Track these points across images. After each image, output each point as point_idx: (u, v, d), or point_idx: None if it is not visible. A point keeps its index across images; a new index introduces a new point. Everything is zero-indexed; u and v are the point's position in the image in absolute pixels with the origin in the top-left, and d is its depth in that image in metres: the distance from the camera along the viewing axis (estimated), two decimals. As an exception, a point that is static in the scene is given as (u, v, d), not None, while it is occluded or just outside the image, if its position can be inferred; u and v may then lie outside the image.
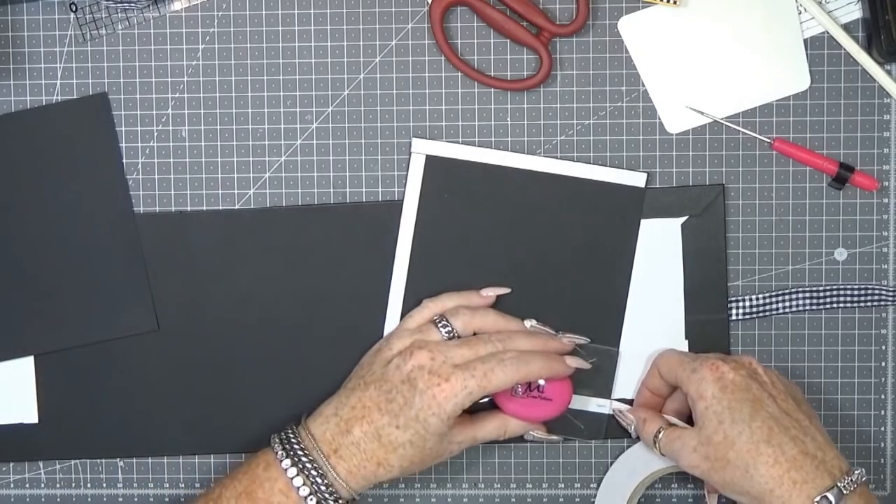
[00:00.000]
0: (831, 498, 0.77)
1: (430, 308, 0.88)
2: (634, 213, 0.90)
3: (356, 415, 0.83)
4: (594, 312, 0.90)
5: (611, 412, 0.90)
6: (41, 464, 0.93)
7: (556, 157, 0.91)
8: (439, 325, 0.86)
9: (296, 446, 0.83)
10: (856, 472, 0.79)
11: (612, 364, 0.90)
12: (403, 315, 0.90)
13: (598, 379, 0.90)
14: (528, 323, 0.88)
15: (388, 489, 0.93)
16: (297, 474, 0.82)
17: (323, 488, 0.82)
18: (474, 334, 0.86)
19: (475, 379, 0.82)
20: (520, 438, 0.90)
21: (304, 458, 0.82)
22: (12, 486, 0.93)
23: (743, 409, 0.80)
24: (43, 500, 0.94)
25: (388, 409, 0.82)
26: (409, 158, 0.90)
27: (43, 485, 0.94)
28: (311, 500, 0.81)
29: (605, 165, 0.91)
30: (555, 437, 0.90)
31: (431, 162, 0.90)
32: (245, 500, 0.82)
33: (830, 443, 0.81)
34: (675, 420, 0.86)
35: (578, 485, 0.93)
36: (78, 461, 0.93)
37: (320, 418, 0.84)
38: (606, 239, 0.90)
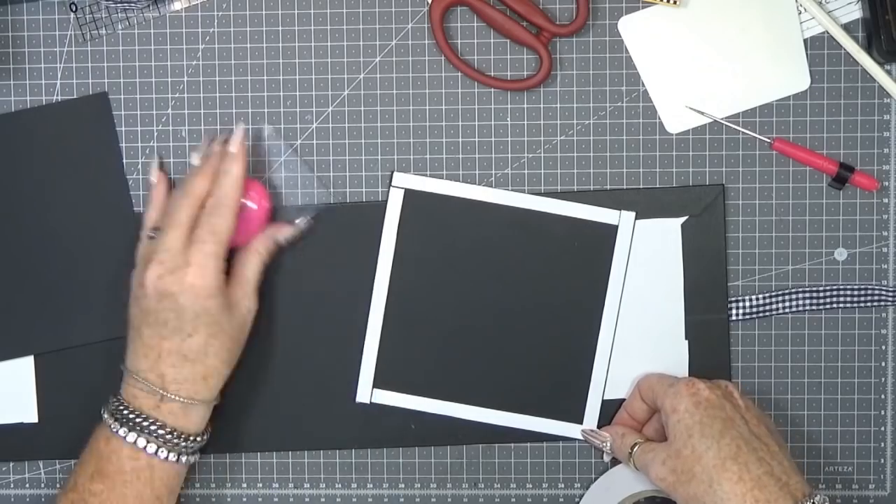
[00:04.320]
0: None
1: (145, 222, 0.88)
2: (608, 250, 0.90)
3: (152, 356, 0.83)
4: (566, 344, 0.91)
5: (581, 436, 0.91)
6: (41, 464, 0.93)
7: (540, 193, 0.91)
8: (147, 237, 0.86)
9: (125, 412, 0.83)
10: (818, 496, 0.79)
11: (584, 388, 0.90)
12: (384, 330, 0.91)
13: (568, 404, 0.91)
14: (196, 158, 0.87)
15: (389, 489, 0.93)
16: (139, 436, 0.82)
17: (169, 436, 0.82)
18: None
19: (208, 243, 0.82)
20: (519, 438, 0.90)
21: (137, 419, 0.82)
22: (12, 486, 0.93)
23: (714, 425, 0.81)
24: (43, 500, 0.94)
25: (171, 328, 0.82)
26: (389, 192, 0.90)
27: (43, 485, 0.94)
28: (162, 452, 0.83)
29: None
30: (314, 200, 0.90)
31: (410, 196, 0.90)
32: (99, 478, 0.83)
33: (797, 470, 0.81)
34: (652, 437, 0.86)
35: (578, 485, 0.93)
36: (78, 461, 0.93)
37: (130, 380, 0.84)
38: (580, 273, 0.90)
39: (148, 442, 0.82)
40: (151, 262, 0.83)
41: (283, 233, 0.89)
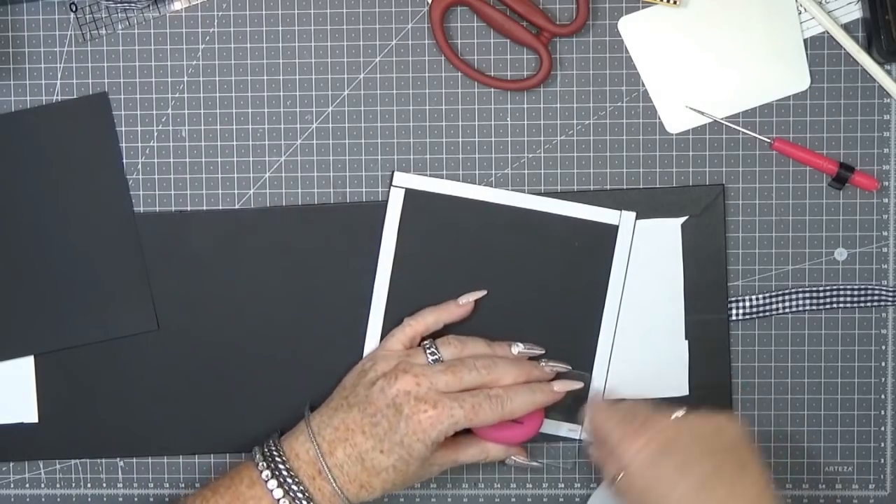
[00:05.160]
0: None
1: (413, 327, 0.88)
2: (608, 250, 0.90)
3: (339, 437, 0.83)
4: (567, 343, 0.90)
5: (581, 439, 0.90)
6: (41, 464, 0.93)
7: (540, 193, 0.91)
8: (427, 350, 0.85)
9: (280, 465, 0.82)
10: None
11: (584, 389, 0.90)
12: (384, 330, 0.90)
13: (571, 403, 0.89)
14: (516, 349, 0.88)
15: (388, 489, 0.93)
16: (284, 496, 0.81)
17: None
18: None
19: (462, 410, 0.82)
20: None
21: (289, 479, 0.82)
22: (12, 486, 0.93)
23: (683, 458, 0.79)
24: (43, 500, 0.94)
25: (373, 432, 0.82)
26: (389, 192, 0.90)
27: (43, 485, 0.94)
28: None
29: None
30: (535, 464, 0.90)
31: (411, 196, 0.90)
32: None
33: None
34: None
35: (578, 485, 0.93)
36: (78, 461, 0.93)
37: (302, 437, 0.84)
38: (580, 273, 0.90)
39: None
40: (409, 373, 0.83)
41: (518, 458, 0.89)
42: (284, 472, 0.82)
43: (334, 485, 0.82)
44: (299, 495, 0.81)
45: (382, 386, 0.83)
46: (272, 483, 0.82)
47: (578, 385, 0.88)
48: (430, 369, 0.83)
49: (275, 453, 0.83)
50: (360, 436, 0.82)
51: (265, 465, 0.83)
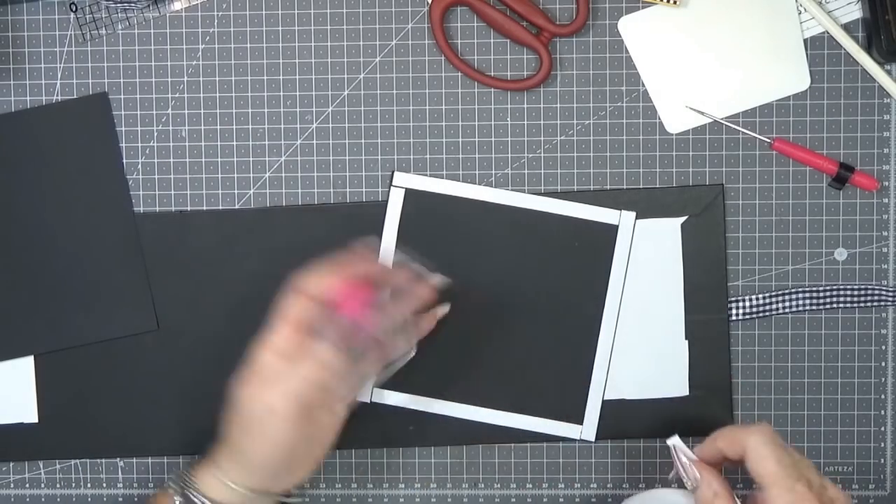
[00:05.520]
0: None
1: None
2: (608, 250, 0.90)
3: (223, 441, 0.82)
4: (566, 344, 0.91)
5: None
6: (41, 464, 0.93)
7: (540, 193, 0.91)
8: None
9: (186, 478, 0.82)
10: None
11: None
12: None
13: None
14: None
15: (389, 489, 0.93)
16: None
17: None
18: None
19: (295, 364, 0.80)
20: (519, 438, 0.91)
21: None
22: (12, 486, 0.94)
23: None
24: (43, 500, 0.94)
25: (236, 426, 0.81)
26: (389, 192, 0.90)
27: (43, 485, 0.94)
28: None
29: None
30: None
31: (411, 196, 0.90)
32: None
33: None
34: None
35: (578, 485, 0.93)
36: (78, 461, 0.93)
37: (218, 482, 0.82)
38: (580, 273, 0.90)
39: None
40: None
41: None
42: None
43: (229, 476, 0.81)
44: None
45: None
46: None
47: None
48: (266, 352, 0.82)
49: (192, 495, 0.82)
50: (227, 431, 0.82)
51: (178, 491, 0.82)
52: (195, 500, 0.81)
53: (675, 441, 0.81)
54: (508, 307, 0.91)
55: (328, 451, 0.82)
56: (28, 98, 0.91)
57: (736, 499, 0.78)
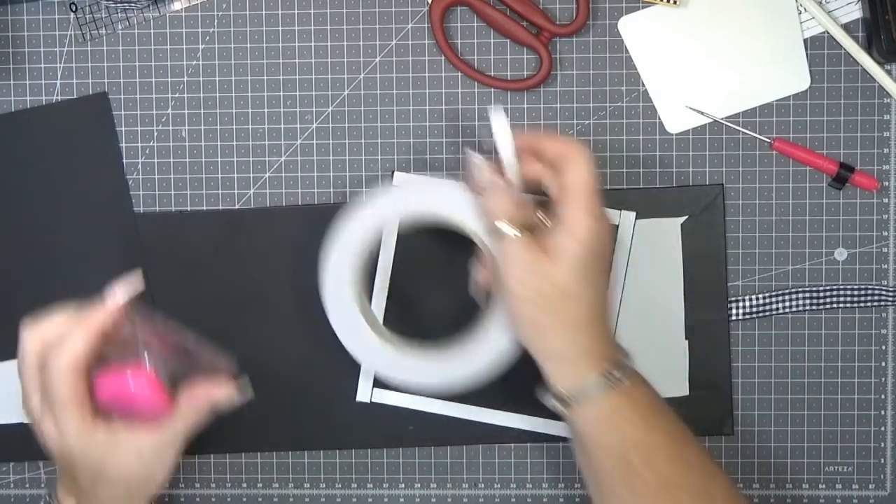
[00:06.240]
0: (618, 374, 0.77)
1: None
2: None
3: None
4: None
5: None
6: (41, 464, 0.93)
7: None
8: None
9: None
10: (628, 358, 0.79)
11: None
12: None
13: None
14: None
15: (389, 489, 0.93)
16: None
17: None
18: None
19: (51, 402, 0.77)
20: (519, 438, 0.91)
21: None
22: (12, 486, 0.93)
23: (599, 269, 0.77)
24: (43, 500, 0.94)
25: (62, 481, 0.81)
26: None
27: (43, 485, 0.94)
28: None
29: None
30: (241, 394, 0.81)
31: None
32: None
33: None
34: (543, 219, 0.78)
35: (578, 485, 0.93)
36: None
37: None
38: None
39: None
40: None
41: (221, 393, 0.80)
42: None
43: None
44: None
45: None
46: None
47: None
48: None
49: None
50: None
51: None
52: None
53: (474, 156, 0.80)
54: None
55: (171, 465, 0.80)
56: (28, 98, 0.91)
57: (538, 214, 0.78)
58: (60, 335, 0.77)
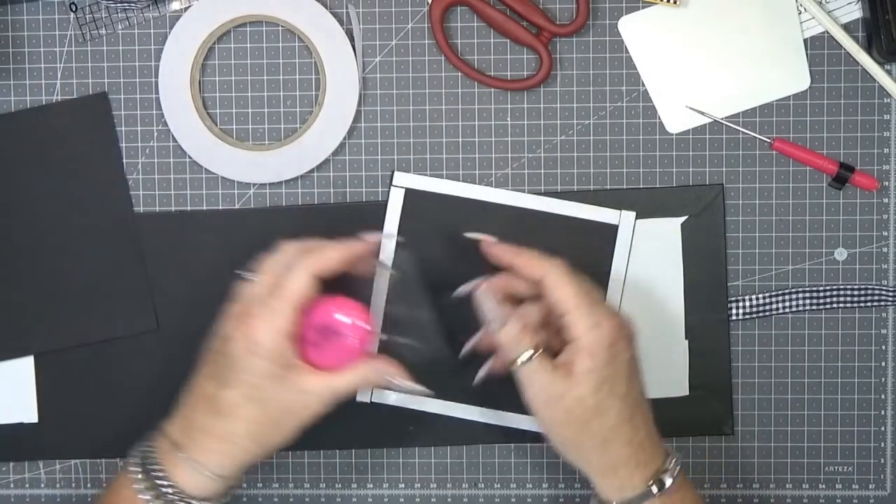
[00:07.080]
0: (665, 479, 0.78)
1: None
2: (608, 250, 0.90)
3: (192, 400, 0.79)
4: None
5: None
6: (41, 464, 0.93)
7: (540, 193, 0.91)
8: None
9: (150, 463, 0.78)
10: (676, 455, 0.80)
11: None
12: (384, 330, 0.90)
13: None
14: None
15: (389, 489, 0.93)
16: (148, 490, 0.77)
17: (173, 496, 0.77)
18: None
19: (274, 296, 0.77)
20: (519, 438, 0.91)
21: (155, 471, 0.77)
22: (12, 486, 0.94)
23: (621, 382, 0.79)
24: (43, 500, 0.94)
25: (213, 373, 0.78)
26: (389, 191, 0.90)
27: (43, 485, 0.94)
28: None
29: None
30: (419, 388, 0.82)
31: (411, 195, 0.90)
32: None
33: (656, 428, 0.81)
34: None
35: (578, 485, 0.93)
36: (78, 461, 0.93)
37: (171, 420, 0.80)
38: (580, 273, 0.90)
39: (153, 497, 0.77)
40: (233, 307, 0.79)
41: (399, 381, 0.81)
42: (151, 469, 0.78)
43: (199, 453, 0.77)
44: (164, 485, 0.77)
45: (216, 336, 0.80)
46: (139, 486, 0.77)
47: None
48: (244, 290, 0.80)
49: (148, 454, 0.79)
50: (204, 383, 0.78)
51: (142, 474, 0.78)
52: (170, 495, 0.77)
53: (482, 288, 0.82)
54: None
55: (314, 415, 0.78)
56: (28, 98, 0.91)
57: (540, 340, 0.79)
58: (319, 245, 0.80)
